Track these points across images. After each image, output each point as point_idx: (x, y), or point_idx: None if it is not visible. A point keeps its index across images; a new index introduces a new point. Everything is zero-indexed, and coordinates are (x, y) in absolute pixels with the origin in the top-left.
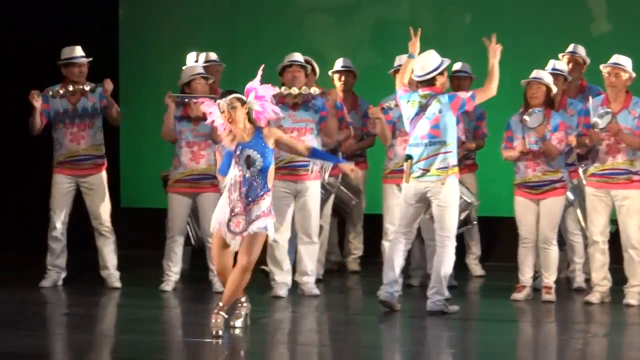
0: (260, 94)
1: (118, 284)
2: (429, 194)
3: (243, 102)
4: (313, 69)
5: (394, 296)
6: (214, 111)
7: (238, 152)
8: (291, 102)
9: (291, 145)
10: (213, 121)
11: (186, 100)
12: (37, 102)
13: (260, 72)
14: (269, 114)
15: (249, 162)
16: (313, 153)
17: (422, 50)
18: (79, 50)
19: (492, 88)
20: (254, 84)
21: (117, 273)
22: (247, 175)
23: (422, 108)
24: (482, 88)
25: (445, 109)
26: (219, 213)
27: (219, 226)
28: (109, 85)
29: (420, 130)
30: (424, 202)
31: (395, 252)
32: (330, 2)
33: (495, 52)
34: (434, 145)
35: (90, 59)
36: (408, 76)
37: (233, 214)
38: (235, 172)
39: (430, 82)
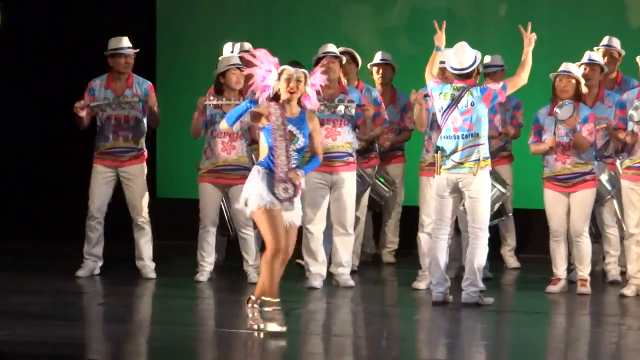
0: (314, 81)
1: (152, 275)
2: (461, 184)
3: (306, 80)
4: (355, 60)
5: (445, 293)
6: (263, 70)
7: (280, 124)
8: (328, 94)
9: (314, 140)
10: (254, 77)
11: (219, 103)
12: (82, 113)
13: (322, 64)
14: (310, 102)
15: (290, 138)
16: (312, 160)
17: (453, 39)
18: (126, 41)
19: (523, 76)
20: (317, 69)
21: (151, 264)
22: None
23: (455, 100)
24: (513, 77)
25: (477, 102)
26: (259, 191)
27: (264, 203)
28: (152, 101)
29: (452, 122)
30: (458, 192)
31: (437, 250)
32: None
33: (530, 41)
34: (467, 137)
35: (137, 50)
36: (437, 68)
37: (276, 180)
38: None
39: (467, 76)
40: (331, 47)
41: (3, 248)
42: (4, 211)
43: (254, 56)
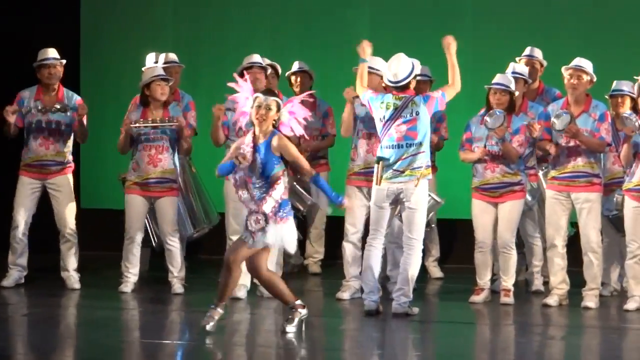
0: (293, 109)
1: (77, 286)
2: (401, 194)
3: (278, 108)
4: (276, 72)
5: (377, 302)
6: (243, 98)
7: (249, 150)
8: None
9: (296, 162)
10: (237, 104)
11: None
12: (12, 118)
13: (309, 94)
14: (290, 129)
15: (253, 167)
16: (315, 180)
17: (378, 52)
18: (52, 52)
19: (457, 82)
20: (296, 99)
21: (76, 275)
22: (252, 177)
23: (398, 110)
24: (448, 85)
25: (421, 111)
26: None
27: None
28: (82, 109)
29: (395, 132)
30: (395, 203)
31: (371, 258)
32: (290, 3)
33: (448, 46)
34: (411, 146)
35: (64, 61)
36: (365, 80)
37: (250, 212)
38: (241, 172)
39: (405, 87)
40: (256, 58)
41: None
42: None
43: (237, 84)
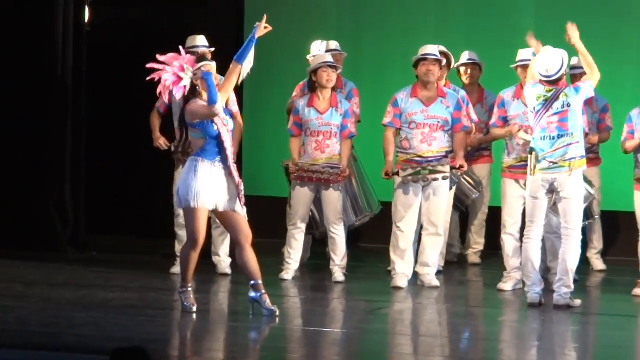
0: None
1: (228, 271)
2: (556, 184)
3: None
4: (449, 62)
5: (541, 294)
6: (172, 73)
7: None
8: (426, 97)
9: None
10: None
11: None
12: (164, 147)
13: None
14: None
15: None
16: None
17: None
18: (200, 40)
19: (595, 69)
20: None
21: (228, 260)
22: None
23: (549, 101)
24: (589, 75)
25: (572, 102)
26: (206, 187)
27: (210, 203)
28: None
29: (547, 123)
30: (551, 193)
31: (530, 251)
32: None
33: (571, 34)
34: (562, 137)
35: (212, 48)
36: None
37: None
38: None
39: (556, 81)
40: (432, 49)
41: (101, 243)
42: (104, 208)
43: (161, 62)
